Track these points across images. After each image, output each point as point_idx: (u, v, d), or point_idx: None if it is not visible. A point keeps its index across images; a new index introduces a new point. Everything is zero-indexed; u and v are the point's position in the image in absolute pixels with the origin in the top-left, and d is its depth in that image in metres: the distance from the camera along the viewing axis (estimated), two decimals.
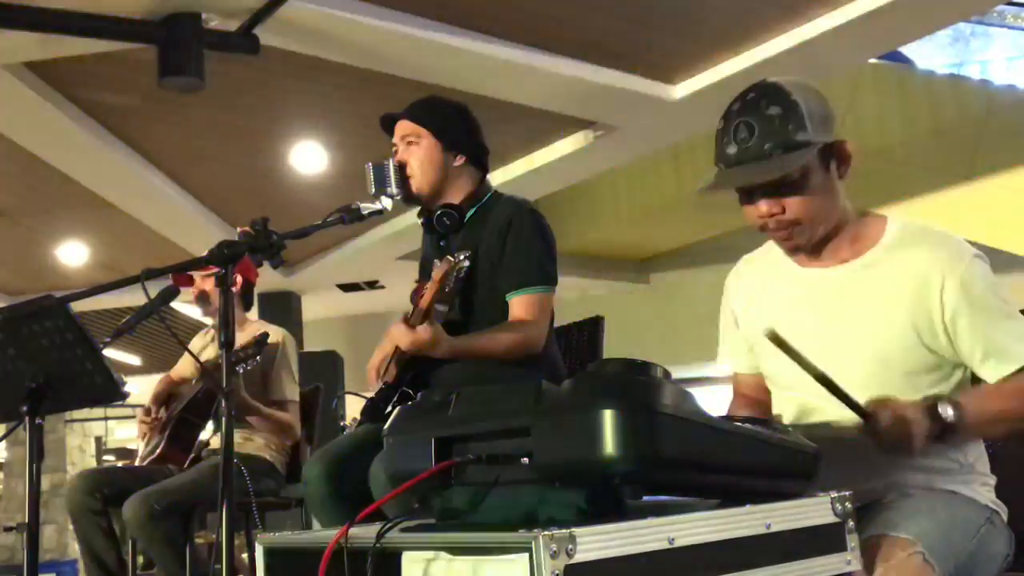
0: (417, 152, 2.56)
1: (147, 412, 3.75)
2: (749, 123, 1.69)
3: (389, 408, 2.42)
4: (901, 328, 1.71)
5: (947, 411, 1.59)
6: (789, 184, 1.69)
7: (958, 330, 1.69)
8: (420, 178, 2.55)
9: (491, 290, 2.51)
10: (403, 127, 2.59)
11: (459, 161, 2.58)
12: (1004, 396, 1.69)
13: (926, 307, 1.70)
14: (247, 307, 3.88)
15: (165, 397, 3.79)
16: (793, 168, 1.67)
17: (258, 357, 3.38)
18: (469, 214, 2.58)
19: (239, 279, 3.61)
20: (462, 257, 2.30)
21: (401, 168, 2.55)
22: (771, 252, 1.93)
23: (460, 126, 2.63)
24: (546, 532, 1.11)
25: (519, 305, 2.49)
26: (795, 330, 1.84)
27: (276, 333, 3.71)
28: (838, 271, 1.79)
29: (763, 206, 1.73)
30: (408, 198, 2.57)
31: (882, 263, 1.76)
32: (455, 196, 2.58)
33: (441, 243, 2.60)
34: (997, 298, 1.70)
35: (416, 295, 2.43)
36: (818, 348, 1.79)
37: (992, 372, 1.70)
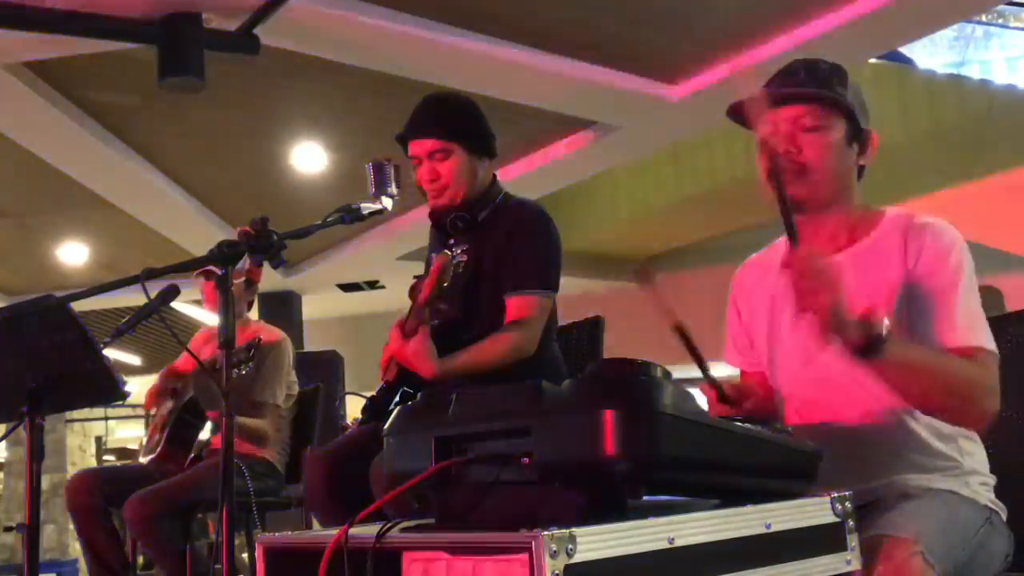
0: (450, 165, 2.52)
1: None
2: (801, 67, 1.81)
3: (390, 407, 2.42)
4: (884, 312, 1.72)
5: (881, 321, 1.55)
6: (814, 129, 1.76)
7: (920, 309, 1.69)
8: (455, 189, 2.53)
9: (496, 291, 2.51)
10: (428, 144, 2.53)
11: (485, 163, 2.59)
12: (936, 356, 1.66)
13: (903, 285, 1.71)
14: (248, 307, 3.89)
15: (169, 391, 3.79)
16: (827, 96, 1.76)
17: (251, 363, 3.37)
18: (482, 216, 2.58)
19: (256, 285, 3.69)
20: (459, 252, 2.29)
21: (432, 180, 2.52)
22: (772, 251, 1.96)
23: (482, 129, 2.60)
24: (546, 532, 1.11)
25: (514, 307, 2.48)
26: (789, 321, 1.85)
27: (275, 335, 3.71)
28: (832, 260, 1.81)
29: (784, 141, 1.76)
30: (439, 208, 2.56)
31: (870, 251, 1.78)
32: (476, 197, 2.58)
33: (450, 242, 2.60)
34: (969, 281, 1.71)
35: (414, 291, 2.42)
36: (810, 337, 1.80)
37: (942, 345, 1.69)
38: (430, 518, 1.43)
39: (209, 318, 3.99)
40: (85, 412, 10.55)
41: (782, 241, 1.94)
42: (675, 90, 5.74)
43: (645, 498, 1.42)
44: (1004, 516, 1.77)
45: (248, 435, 3.56)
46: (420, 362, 2.32)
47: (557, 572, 1.10)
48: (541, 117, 5.98)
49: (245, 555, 4.67)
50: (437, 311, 2.39)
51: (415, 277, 2.44)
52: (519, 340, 2.44)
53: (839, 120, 1.77)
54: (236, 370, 3.32)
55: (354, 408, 2.67)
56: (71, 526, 3.66)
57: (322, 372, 6.99)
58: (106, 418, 11.76)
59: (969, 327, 1.68)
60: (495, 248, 2.51)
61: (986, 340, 1.68)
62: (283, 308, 8.91)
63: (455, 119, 2.57)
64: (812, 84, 1.77)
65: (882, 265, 1.75)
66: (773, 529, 1.33)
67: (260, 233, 2.14)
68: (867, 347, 1.54)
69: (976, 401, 1.65)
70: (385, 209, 2.41)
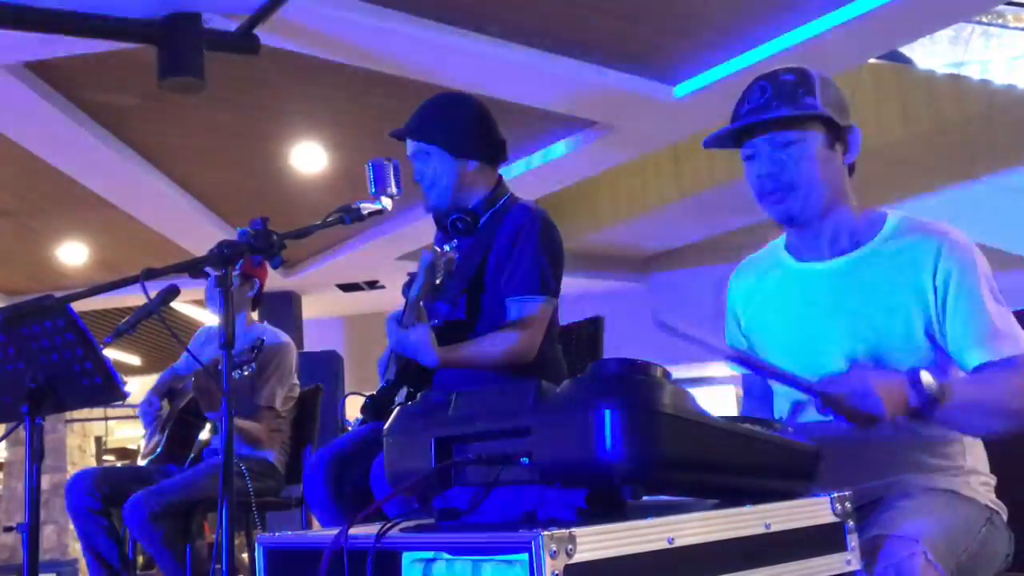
0: (428, 170, 2.53)
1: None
2: (763, 86, 1.77)
3: (391, 406, 2.42)
4: (898, 320, 1.72)
5: (930, 381, 1.58)
6: (789, 144, 1.75)
7: (948, 315, 1.70)
8: (436, 191, 2.54)
9: (499, 295, 2.51)
10: (411, 145, 2.55)
11: (473, 167, 2.56)
12: (984, 387, 1.68)
13: (922, 296, 1.71)
14: (253, 308, 3.89)
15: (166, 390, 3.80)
16: (791, 115, 1.73)
17: (253, 364, 3.37)
18: (484, 219, 2.58)
19: (256, 282, 3.67)
20: (448, 249, 2.29)
21: (416, 181, 2.54)
22: (771, 251, 1.95)
23: (470, 130, 2.56)
24: (546, 532, 1.11)
25: (515, 311, 2.49)
26: (792, 323, 1.85)
27: (278, 338, 3.71)
28: (836, 263, 1.81)
29: (764, 164, 1.77)
30: (429, 211, 2.60)
31: (879, 255, 1.77)
32: (472, 200, 2.57)
33: (453, 242, 2.60)
34: (989, 287, 1.72)
35: (407, 288, 2.42)
36: (815, 340, 1.80)
37: (977, 359, 1.70)
38: (430, 518, 1.43)
39: (209, 318, 3.98)
40: (85, 412, 10.54)
41: (779, 241, 1.94)
42: (675, 90, 5.74)
43: (645, 498, 1.42)
44: (1004, 516, 1.77)
45: (241, 436, 3.56)
46: (422, 352, 2.33)
47: (557, 572, 1.10)
48: (541, 117, 5.98)
49: (245, 555, 4.67)
50: (435, 312, 2.39)
51: (408, 274, 2.44)
52: (520, 343, 2.44)
53: (815, 127, 1.76)
54: (238, 371, 3.32)
55: (354, 408, 2.67)
56: (71, 526, 3.66)
57: (322, 372, 7.00)
58: (106, 418, 11.74)
59: (1008, 336, 1.68)
60: (498, 251, 2.51)
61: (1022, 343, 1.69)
62: (283, 308, 8.91)
63: (433, 121, 2.55)
64: (778, 101, 1.74)
65: (900, 272, 1.74)
66: (773, 529, 1.33)
67: (260, 233, 2.14)
68: (921, 413, 1.59)
69: None
70: (385, 209, 2.40)
